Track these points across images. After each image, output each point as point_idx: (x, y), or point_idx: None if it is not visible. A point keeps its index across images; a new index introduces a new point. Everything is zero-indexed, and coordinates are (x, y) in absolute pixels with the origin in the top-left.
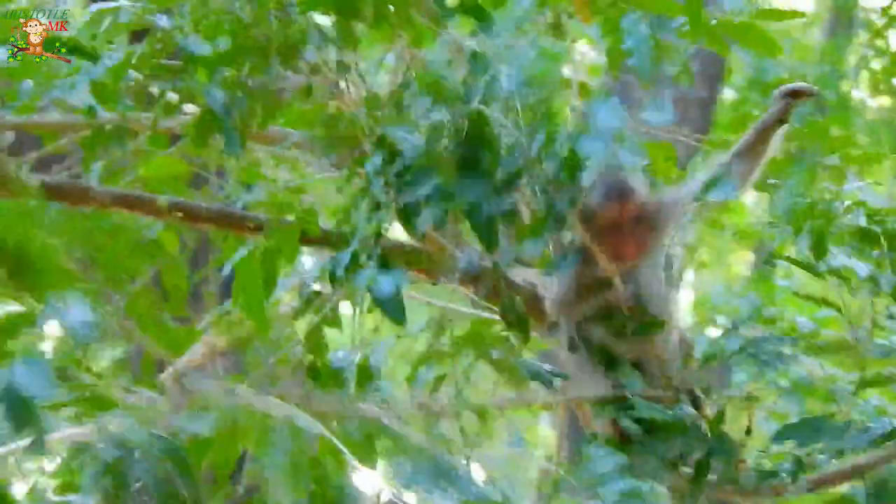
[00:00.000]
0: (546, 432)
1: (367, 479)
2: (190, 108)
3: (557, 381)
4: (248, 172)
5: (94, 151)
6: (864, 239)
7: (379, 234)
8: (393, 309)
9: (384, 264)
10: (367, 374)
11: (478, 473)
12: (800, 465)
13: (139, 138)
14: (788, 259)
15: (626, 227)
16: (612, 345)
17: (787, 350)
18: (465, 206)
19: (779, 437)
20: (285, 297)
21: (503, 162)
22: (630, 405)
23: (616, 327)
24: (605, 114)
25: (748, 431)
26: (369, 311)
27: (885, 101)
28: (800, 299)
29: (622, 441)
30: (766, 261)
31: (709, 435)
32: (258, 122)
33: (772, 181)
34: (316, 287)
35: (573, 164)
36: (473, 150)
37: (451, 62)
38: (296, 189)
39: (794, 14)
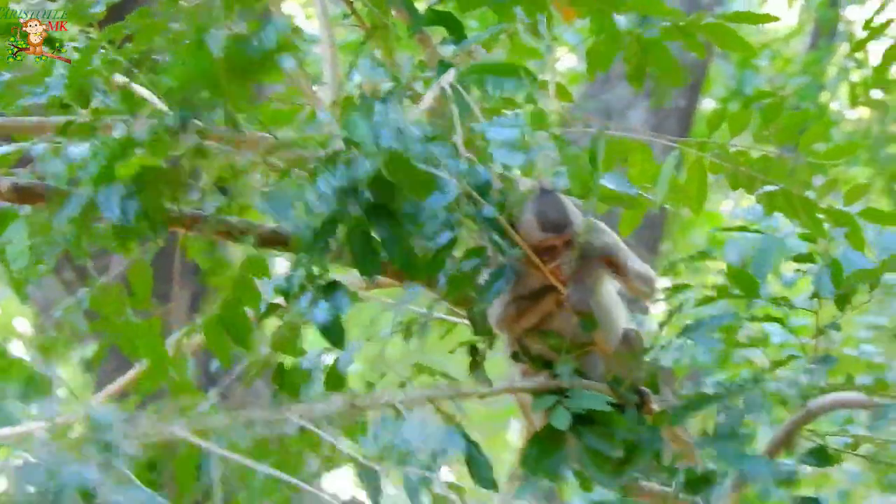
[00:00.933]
0: (515, 435)
1: (334, 482)
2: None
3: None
4: (221, 174)
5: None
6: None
7: (327, 248)
8: (332, 334)
9: (329, 287)
10: (335, 377)
11: (446, 474)
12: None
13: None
14: (733, 279)
15: (561, 250)
16: (550, 354)
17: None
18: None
19: (699, 444)
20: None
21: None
22: (567, 396)
23: (554, 340)
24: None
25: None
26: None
27: (863, 112)
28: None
29: (556, 434)
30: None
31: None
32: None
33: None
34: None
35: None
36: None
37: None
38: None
39: (768, 18)
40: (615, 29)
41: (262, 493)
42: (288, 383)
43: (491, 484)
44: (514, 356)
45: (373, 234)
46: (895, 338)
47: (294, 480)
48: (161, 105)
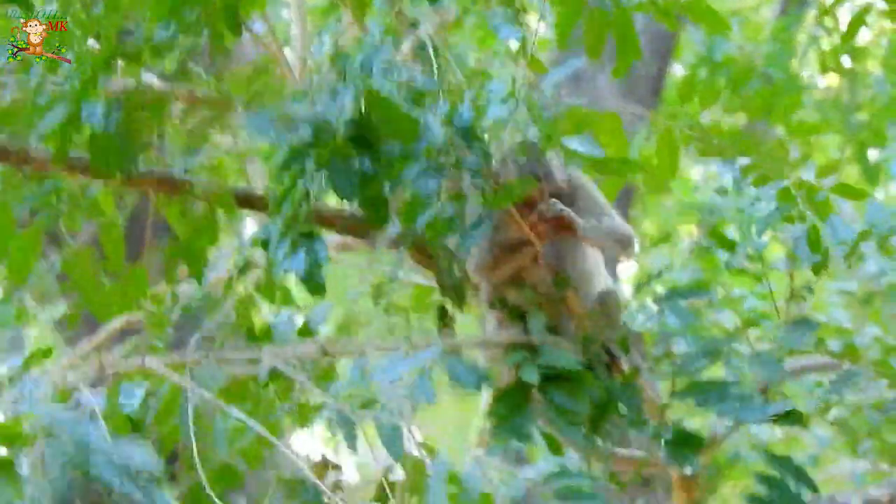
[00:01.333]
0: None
1: (302, 440)
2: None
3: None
4: (190, 137)
5: (39, 111)
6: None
7: (307, 200)
8: (312, 283)
9: (308, 234)
10: (307, 334)
11: (417, 434)
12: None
13: None
14: (716, 236)
15: (542, 203)
16: (526, 306)
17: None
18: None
19: (680, 395)
20: (228, 263)
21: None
22: (536, 352)
23: (529, 291)
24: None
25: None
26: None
27: (833, 80)
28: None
29: (524, 390)
30: (710, 234)
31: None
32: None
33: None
34: (248, 261)
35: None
36: (366, 128)
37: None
38: (238, 154)
39: None
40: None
41: (233, 437)
42: (262, 342)
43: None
44: (491, 304)
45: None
46: (865, 304)
47: (265, 432)
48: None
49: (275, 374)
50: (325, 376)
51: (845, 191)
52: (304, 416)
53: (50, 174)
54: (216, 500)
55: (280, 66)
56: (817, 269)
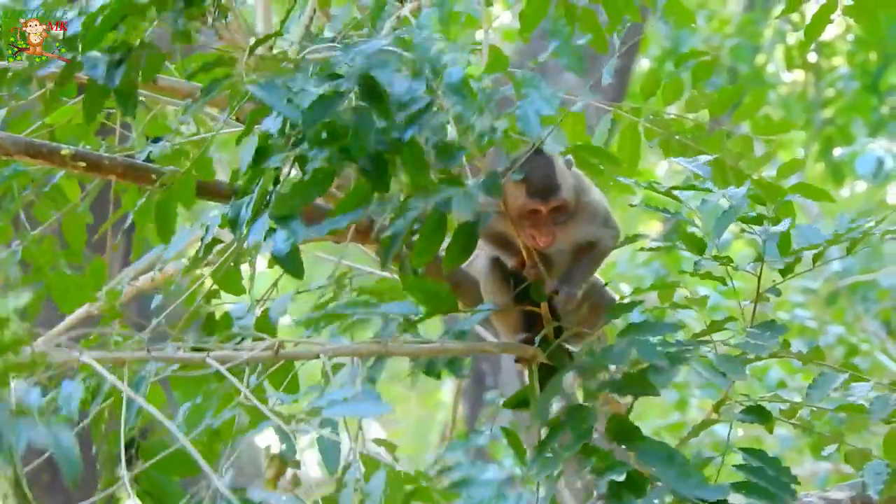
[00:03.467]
0: (447, 397)
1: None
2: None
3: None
4: (153, 125)
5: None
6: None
7: (277, 182)
8: (290, 263)
9: (284, 215)
10: (265, 326)
11: (377, 432)
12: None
13: (48, 85)
14: (683, 237)
15: (544, 217)
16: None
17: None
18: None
19: (622, 333)
20: (188, 251)
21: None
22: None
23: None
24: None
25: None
26: (269, 265)
27: (799, 75)
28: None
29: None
30: (672, 232)
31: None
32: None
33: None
34: (215, 237)
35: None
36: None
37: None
38: (200, 142)
39: None
40: None
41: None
42: (219, 332)
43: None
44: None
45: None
46: (828, 303)
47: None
48: None
49: (222, 379)
50: (277, 378)
51: (807, 190)
52: (252, 419)
53: (12, 160)
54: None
55: (243, 54)
56: (786, 271)
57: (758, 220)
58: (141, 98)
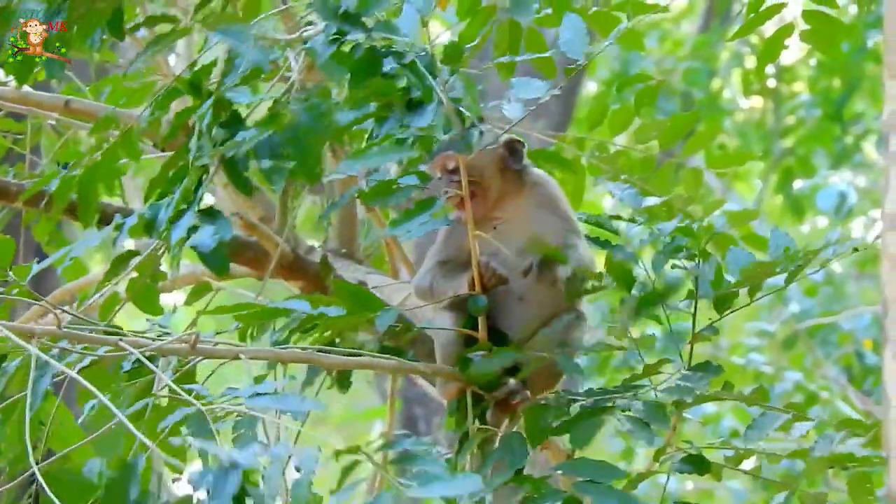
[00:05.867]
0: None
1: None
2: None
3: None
4: (65, 151)
5: None
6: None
7: (200, 184)
8: (214, 258)
9: (208, 213)
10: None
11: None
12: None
13: None
14: (610, 269)
15: (444, 176)
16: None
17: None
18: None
19: (565, 469)
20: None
21: None
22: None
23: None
24: None
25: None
26: (188, 301)
27: (757, 101)
28: None
29: None
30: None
31: None
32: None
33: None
34: (130, 245)
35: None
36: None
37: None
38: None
39: (654, 7)
40: (484, 13)
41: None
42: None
43: None
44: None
45: None
46: (785, 347)
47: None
48: None
49: (137, 370)
50: (188, 377)
51: (758, 242)
52: (158, 417)
53: None
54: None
55: (163, 70)
56: (720, 305)
57: (691, 256)
58: (52, 122)
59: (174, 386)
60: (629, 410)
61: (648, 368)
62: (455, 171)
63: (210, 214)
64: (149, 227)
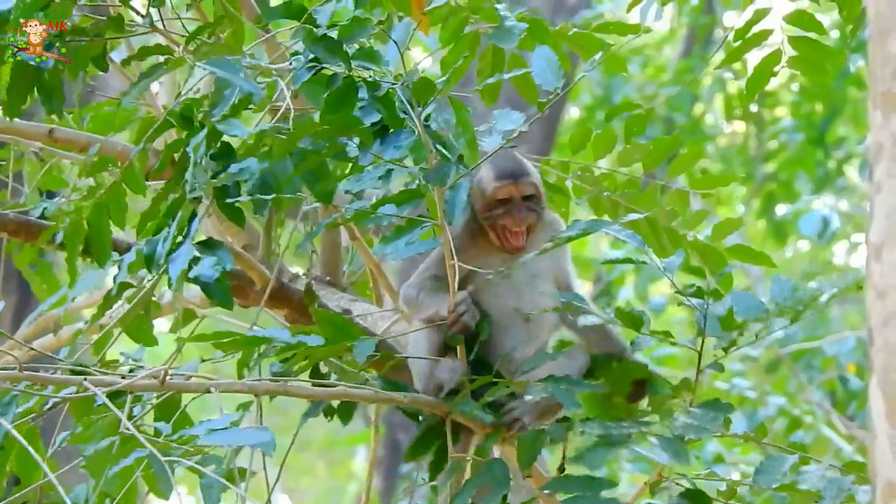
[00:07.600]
0: (361, 465)
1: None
2: None
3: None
4: (48, 178)
5: None
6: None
7: (194, 216)
8: (217, 290)
9: (208, 244)
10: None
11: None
12: None
13: None
14: (619, 315)
15: (517, 202)
16: None
17: None
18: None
19: (554, 486)
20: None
21: None
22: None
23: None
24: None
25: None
26: (172, 329)
27: (740, 126)
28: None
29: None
30: (602, 294)
31: None
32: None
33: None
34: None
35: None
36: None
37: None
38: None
39: (637, 28)
40: (466, 38)
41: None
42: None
43: None
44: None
45: None
46: (768, 371)
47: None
48: None
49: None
50: (172, 405)
51: (744, 253)
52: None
53: None
54: None
55: (144, 99)
56: (728, 347)
57: (698, 293)
58: (35, 150)
59: (132, 428)
60: (645, 442)
61: (655, 404)
62: (530, 197)
63: (208, 245)
64: (148, 261)
